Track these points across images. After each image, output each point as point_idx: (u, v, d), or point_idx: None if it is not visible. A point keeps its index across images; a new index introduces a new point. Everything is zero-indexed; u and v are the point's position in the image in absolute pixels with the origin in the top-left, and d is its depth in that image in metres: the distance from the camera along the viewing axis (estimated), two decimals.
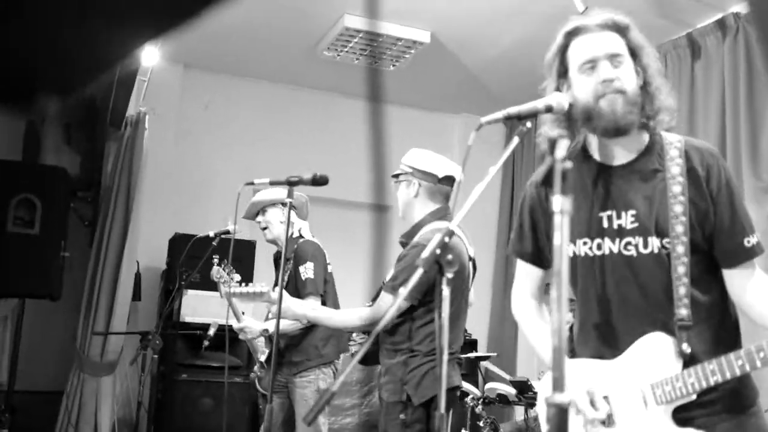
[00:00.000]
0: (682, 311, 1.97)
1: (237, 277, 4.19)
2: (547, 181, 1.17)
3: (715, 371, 1.86)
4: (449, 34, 5.98)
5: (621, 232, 2.07)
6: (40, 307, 5.66)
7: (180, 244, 5.41)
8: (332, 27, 5.87)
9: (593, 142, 2.17)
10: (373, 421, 5.87)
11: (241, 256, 5.54)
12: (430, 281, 3.00)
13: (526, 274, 2.38)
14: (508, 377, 5.71)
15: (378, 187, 0.71)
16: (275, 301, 3.66)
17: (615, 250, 2.08)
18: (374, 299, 3.46)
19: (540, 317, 2.36)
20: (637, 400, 2.01)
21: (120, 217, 5.87)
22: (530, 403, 4.80)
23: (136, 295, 5.99)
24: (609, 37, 2.08)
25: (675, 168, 2.03)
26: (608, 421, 2.05)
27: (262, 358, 4.34)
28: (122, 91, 5.41)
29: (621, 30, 2.10)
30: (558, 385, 1.08)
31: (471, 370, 5.97)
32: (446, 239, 1.91)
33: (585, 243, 2.13)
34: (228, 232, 4.31)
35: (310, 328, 4.14)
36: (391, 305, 3.23)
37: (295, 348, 4.21)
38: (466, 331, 6.61)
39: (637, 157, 2.11)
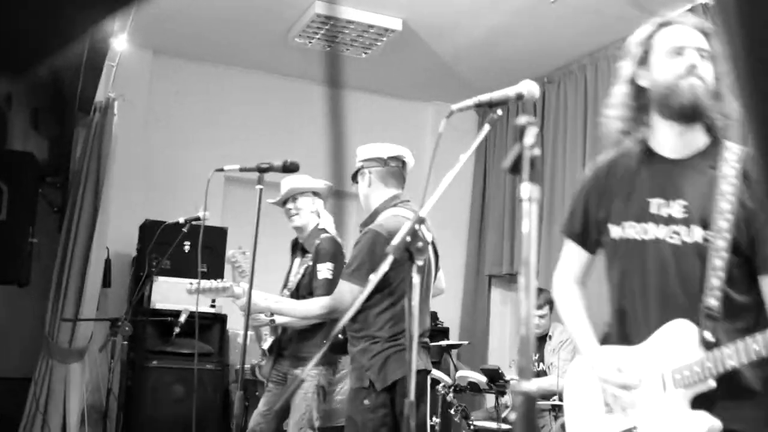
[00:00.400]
0: (711, 301, 2.01)
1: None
2: (515, 168, 1.16)
3: (732, 355, 1.89)
4: (421, 21, 5.97)
5: (669, 220, 2.13)
6: (8, 294, 5.60)
7: (150, 231, 5.37)
8: (303, 14, 5.83)
9: (655, 135, 2.24)
10: (344, 410, 5.87)
11: (212, 244, 5.51)
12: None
13: (572, 255, 2.42)
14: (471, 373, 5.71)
15: (337, 173, 0.70)
16: (239, 295, 3.73)
17: (661, 236, 2.14)
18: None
19: (580, 302, 2.40)
20: (657, 383, 2.06)
21: (89, 202, 5.81)
22: (501, 391, 4.83)
23: (106, 282, 5.94)
24: (699, 35, 2.18)
25: (729, 170, 2.09)
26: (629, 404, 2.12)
27: (265, 346, 4.30)
28: (90, 76, 5.34)
29: (707, 35, 2.19)
30: (524, 373, 1.08)
31: (442, 358, 5.99)
32: (416, 227, 1.92)
33: (632, 227, 2.19)
34: (198, 219, 4.28)
35: (320, 325, 4.08)
36: (353, 293, 3.25)
37: (302, 343, 4.15)
38: (437, 318, 6.66)
39: (695, 154, 2.18)
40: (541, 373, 5.25)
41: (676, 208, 2.12)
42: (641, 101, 2.23)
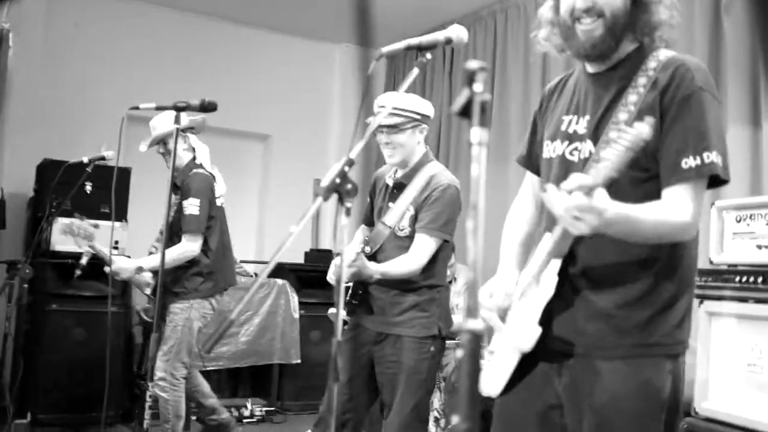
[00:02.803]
0: None
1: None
2: (465, 112, 1.17)
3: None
4: None
5: (572, 137, 2.04)
6: None
7: (49, 171, 5.15)
8: None
9: None
10: (250, 350, 5.90)
11: (115, 184, 5.33)
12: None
13: (525, 181, 2.35)
14: None
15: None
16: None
17: (560, 152, 2.07)
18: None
19: (518, 227, 2.30)
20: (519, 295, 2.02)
21: None
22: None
23: (1, 223, 5.69)
24: None
25: (642, 78, 1.91)
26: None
27: (148, 291, 4.40)
28: None
29: None
30: (471, 312, 1.11)
31: None
32: (346, 168, 1.91)
33: (548, 146, 2.13)
34: (103, 158, 4.17)
35: (193, 261, 4.22)
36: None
37: (175, 278, 4.24)
38: None
39: (614, 65, 2.01)
40: None
41: (582, 124, 2.02)
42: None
